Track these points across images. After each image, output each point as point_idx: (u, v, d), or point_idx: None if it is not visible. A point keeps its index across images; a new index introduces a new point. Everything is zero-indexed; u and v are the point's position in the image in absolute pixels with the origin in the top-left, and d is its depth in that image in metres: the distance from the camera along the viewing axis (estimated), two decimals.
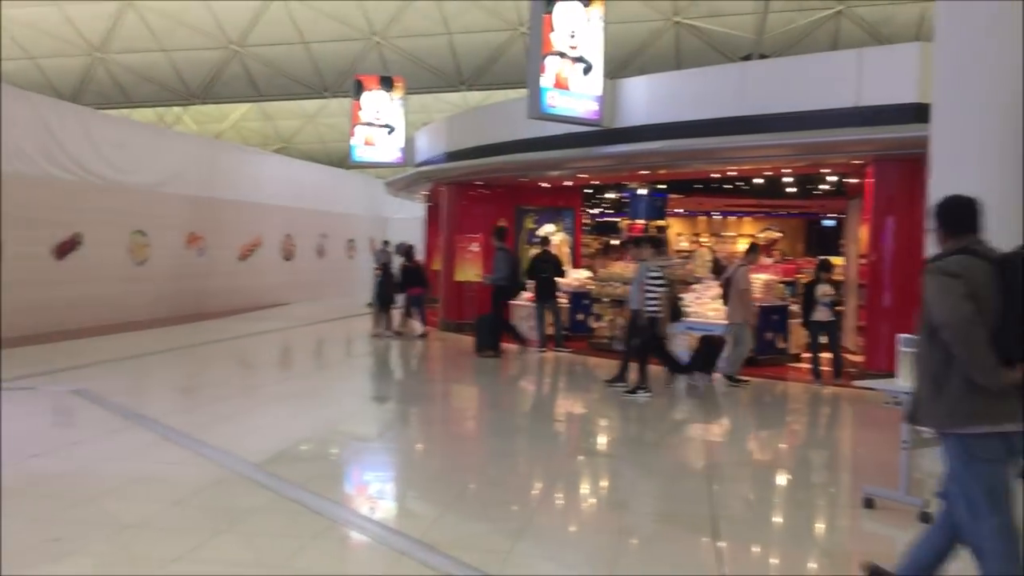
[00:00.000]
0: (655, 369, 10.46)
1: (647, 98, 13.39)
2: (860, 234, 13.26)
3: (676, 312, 10.96)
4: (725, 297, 11.35)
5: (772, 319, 12.73)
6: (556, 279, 14.29)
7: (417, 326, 16.26)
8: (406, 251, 16.64)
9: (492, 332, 13.50)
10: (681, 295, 12.31)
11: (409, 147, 21.23)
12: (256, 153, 24.75)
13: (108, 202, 16.24)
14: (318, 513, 5.41)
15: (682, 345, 12.74)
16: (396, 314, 16.38)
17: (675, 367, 10.84)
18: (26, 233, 13.96)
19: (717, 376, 11.04)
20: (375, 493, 6.41)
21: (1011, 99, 6.92)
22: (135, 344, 13.94)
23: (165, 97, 28.01)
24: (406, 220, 28.36)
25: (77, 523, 5.10)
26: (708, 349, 11.23)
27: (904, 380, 5.66)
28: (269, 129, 34.86)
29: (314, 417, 8.94)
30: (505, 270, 13.33)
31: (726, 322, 11.23)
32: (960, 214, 3.86)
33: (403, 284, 16.19)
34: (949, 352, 3.64)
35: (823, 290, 11.22)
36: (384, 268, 16.63)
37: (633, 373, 10.36)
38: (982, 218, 3.84)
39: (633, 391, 10.15)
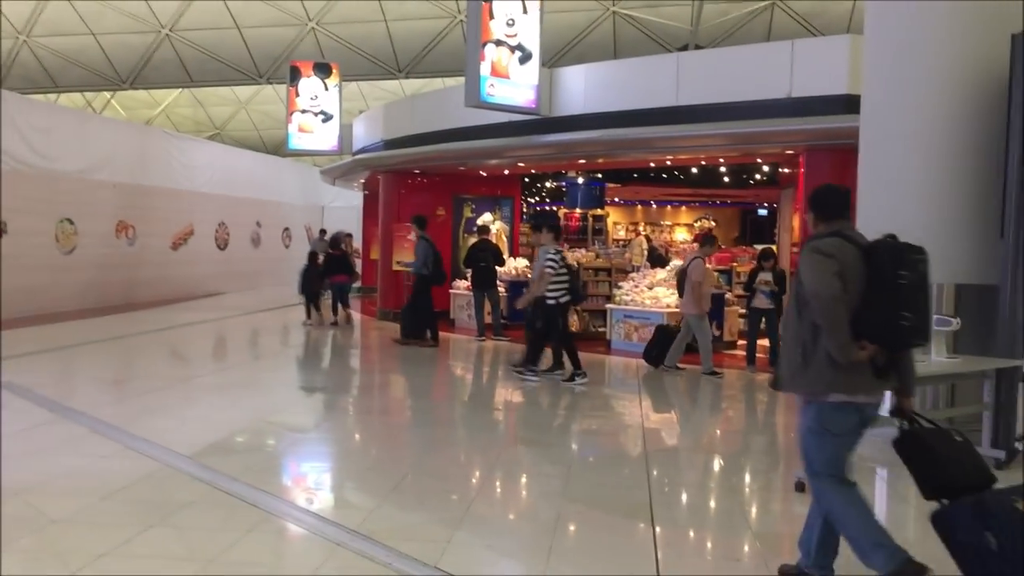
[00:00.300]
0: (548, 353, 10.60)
1: (584, 87, 13.45)
2: (793, 223, 13.51)
3: (576, 296, 10.79)
4: (680, 289, 11.33)
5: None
6: (495, 268, 14.30)
7: (342, 313, 16.24)
8: (332, 240, 16.60)
9: (416, 321, 13.41)
10: (584, 279, 12.36)
11: (346, 135, 20.98)
12: (188, 140, 24.23)
13: (34, 190, 15.77)
14: (253, 505, 5.33)
15: (621, 334, 12.87)
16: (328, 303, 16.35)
17: (559, 359, 10.65)
18: None
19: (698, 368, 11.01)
20: (311, 484, 6.34)
21: (938, 91, 7.11)
22: (63, 335, 13.58)
23: (94, 82, 27.23)
24: (343, 208, 28.07)
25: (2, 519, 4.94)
26: (663, 339, 11.31)
27: None
28: (201, 115, 34.15)
29: (246, 408, 8.82)
30: (426, 259, 13.22)
31: (681, 313, 11.33)
32: (834, 201, 4.17)
33: (326, 273, 16.13)
34: (817, 325, 3.93)
35: (763, 278, 11.41)
36: (311, 257, 16.58)
37: (551, 359, 10.53)
38: (848, 207, 4.22)
39: (570, 378, 10.21)
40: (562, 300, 10.24)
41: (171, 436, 7.13)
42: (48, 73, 26.54)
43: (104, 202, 18.21)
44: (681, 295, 11.29)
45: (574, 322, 13.25)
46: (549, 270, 10.07)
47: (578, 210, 19.24)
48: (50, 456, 6.43)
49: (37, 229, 15.98)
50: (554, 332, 10.41)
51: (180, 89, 29.65)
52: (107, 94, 29.93)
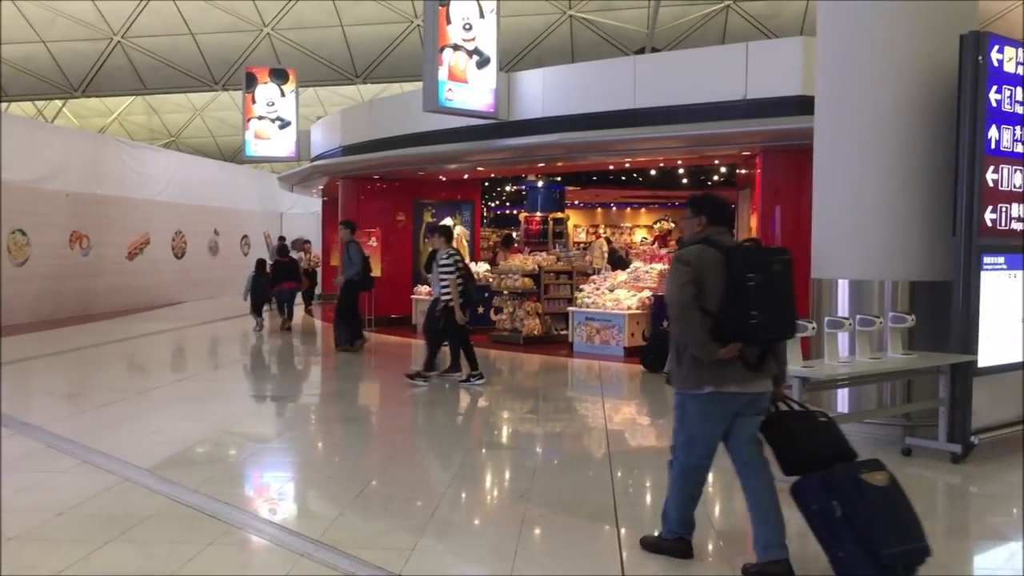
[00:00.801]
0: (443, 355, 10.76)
1: (542, 91, 13.49)
2: (750, 223, 13.66)
3: (468, 299, 10.63)
4: None
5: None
6: None
7: (288, 321, 16.48)
8: (280, 247, 16.61)
9: (349, 326, 13.34)
10: (483, 282, 12.87)
11: (304, 141, 20.85)
12: (143, 148, 23.90)
13: None
14: (214, 517, 5.27)
15: (583, 336, 12.91)
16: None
17: (456, 361, 10.77)
18: None
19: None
20: (272, 494, 6.28)
21: (889, 91, 7.22)
22: (16, 348, 13.31)
23: (44, 90, 26.76)
24: (302, 215, 27.87)
25: None
26: (661, 343, 10.90)
27: (793, 364, 5.84)
28: (156, 123, 33.73)
29: (205, 419, 8.71)
30: (359, 264, 13.04)
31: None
32: (716, 208, 4.54)
33: (274, 280, 16.14)
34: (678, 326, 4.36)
35: None
36: (259, 265, 16.58)
37: (454, 362, 10.66)
38: (728, 216, 4.60)
39: (467, 379, 10.32)
40: (451, 302, 10.25)
41: (129, 449, 7.03)
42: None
43: (57, 212, 17.91)
44: None
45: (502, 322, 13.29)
46: (446, 272, 10.17)
47: (538, 214, 19.26)
48: (5, 473, 6.30)
49: None
50: (446, 333, 10.48)
51: (133, 97, 29.26)
52: (58, 102, 29.45)
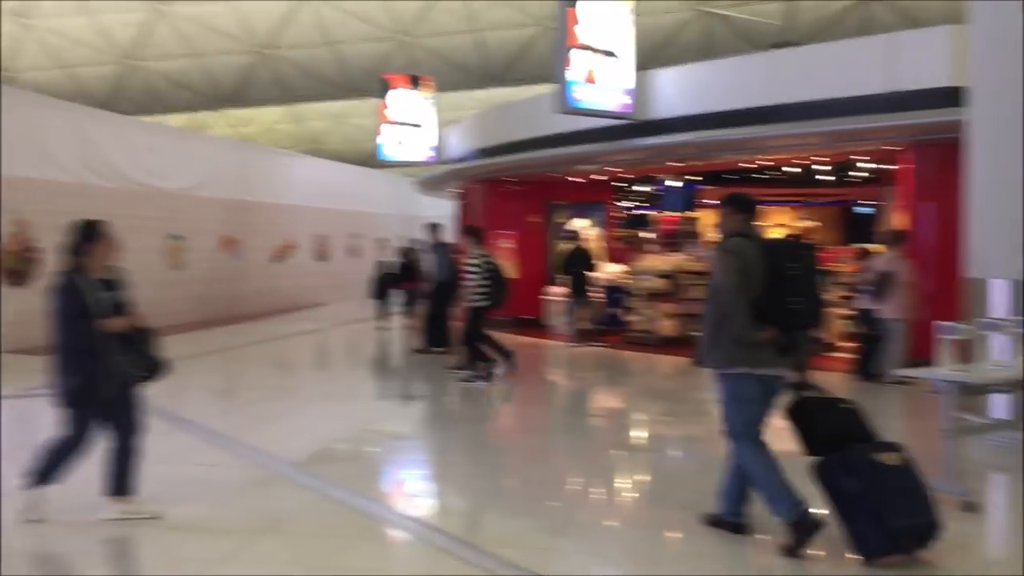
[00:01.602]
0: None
1: (677, 89, 13.31)
2: (894, 220, 13.09)
3: (499, 299, 10.63)
4: (880, 292, 10.18)
5: None
6: (588, 273, 14.30)
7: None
8: (404, 250, 16.89)
9: (438, 330, 13.08)
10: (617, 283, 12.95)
11: (439, 145, 21.29)
12: (286, 155, 24.91)
13: (144, 207, 16.43)
14: (358, 512, 5.45)
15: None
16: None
17: (478, 362, 10.68)
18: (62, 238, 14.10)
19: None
20: (413, 491, 6.44)
21: None
22: (173, 348, 14.04)
23: (197, 102, 28.27)
24: (437, 218, 28.39)
25: (122, 524, 5.16)
26: (872, 348, 10.40)
27: (946, 368, 5.58)
28: (299, 130, 35.08)
29: (349, 417, 9.01)
30: (447, 268, 12.80)
31: (888, 318, 10.17)
32: (747, 206, 4.91)
33: (397, 279, 16.38)
34: (724, 310, 4.69)
35: (865, 277, 10.92)
36: (381, 265, 17.04)
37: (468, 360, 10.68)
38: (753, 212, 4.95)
39: (469, 378, 10.39)
40: (480, 304, 10.37)
41: (278, 444, 7.35)
42: (155, 95, 27.67)
43: (210, 218, 18.85)
44: (880, 298, 10.19)
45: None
46: (471, 275, 10.34)
47: (673, 213, 19.01)
48: (165, 465, 6.67)
49: (147, 246, 16.59)
50: (473, 330, 10.59)
51: (278, 106, 30.51)
52: (210, 113, 31.02)
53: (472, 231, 11.11)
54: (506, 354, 10.78)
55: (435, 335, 13.23)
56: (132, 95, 27.38)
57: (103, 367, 4.98)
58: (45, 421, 5.52)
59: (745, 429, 4.79)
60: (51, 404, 5.12)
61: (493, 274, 10.56)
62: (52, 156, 14.35)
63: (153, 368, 5.31)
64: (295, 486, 6.07)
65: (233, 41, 25.22)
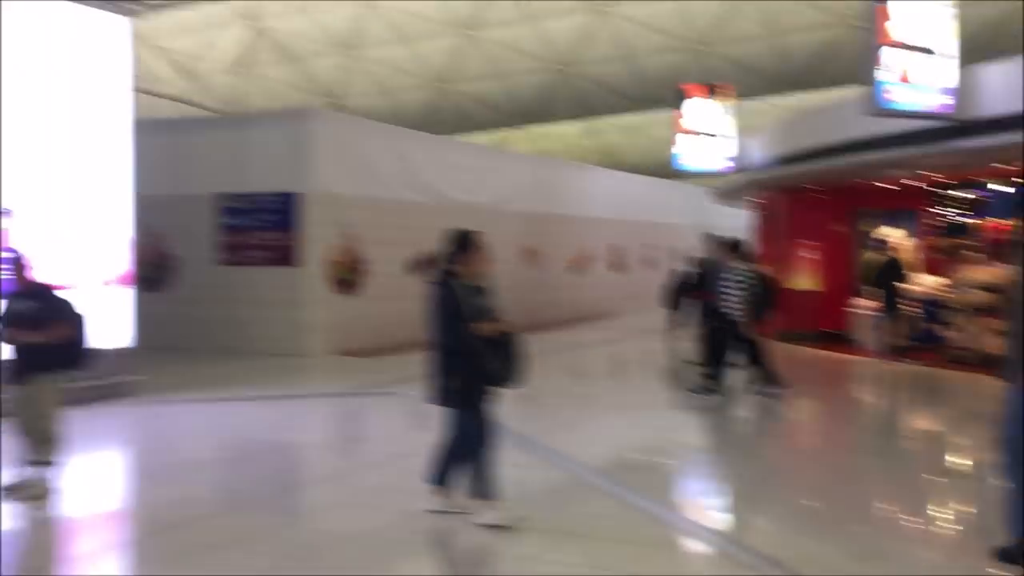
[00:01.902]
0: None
1: (1005, 84, 12.14)
2: None
3: (762, 314, 10.08)
4: None
5: None
6: (899, 285, 13.45)
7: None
8: (697, 261, 16.54)
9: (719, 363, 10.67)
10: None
11: (736, 153, 20.91)
12: (582, 168, 25.57)
13: (456, 222, 17.45)
14: (658, 520, 5.50)
15: None
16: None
17: (760, 374, 10.10)
18: (386, 251, 15.41)
19: None
20: (714, 503, 6.39)
21: None
22: None
23: (501, 120, 29.82)
24: (732, 229, 27.87)
25: (433, 518, 5.54)
26: None
27: None
28: (596, 143, 35.86)
29: (646, 425, 9.09)
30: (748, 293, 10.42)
31: None
32: None
33: (691, 289, 16.03)
34: None
35: None
36: (675, 275, 16.84)
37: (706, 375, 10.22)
38: None
39: (765, 392, 9.88)
40: (740, 318, 9.84)
41: (580, 449, 7.58)
42: (463, 115, 29.54)
43: (512, 230, 19.77)
44: None
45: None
46: (729, 288, 9.91)
47: (1000, 220, 17.33)
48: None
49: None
50: (728, 343, 10.12)
51: (576, 120, 31.42)
52: (512, 131, 32.60)
53: (733, 245, 10.75)
54: (769, 374, 10.28)
55: (716, 350, 13.04)
56: (444, 116, 29.41)
57: (476, 369, 5.25)
58: (371, 417, 6.06)
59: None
60: (428, 401, 5.47)
61: (756, 288, 10.23)
62: (376, 175, 15.71)
63: (517, 373, 5.49)
64: (597, 491, 6.23)
65: (536, 60, 26.33)
